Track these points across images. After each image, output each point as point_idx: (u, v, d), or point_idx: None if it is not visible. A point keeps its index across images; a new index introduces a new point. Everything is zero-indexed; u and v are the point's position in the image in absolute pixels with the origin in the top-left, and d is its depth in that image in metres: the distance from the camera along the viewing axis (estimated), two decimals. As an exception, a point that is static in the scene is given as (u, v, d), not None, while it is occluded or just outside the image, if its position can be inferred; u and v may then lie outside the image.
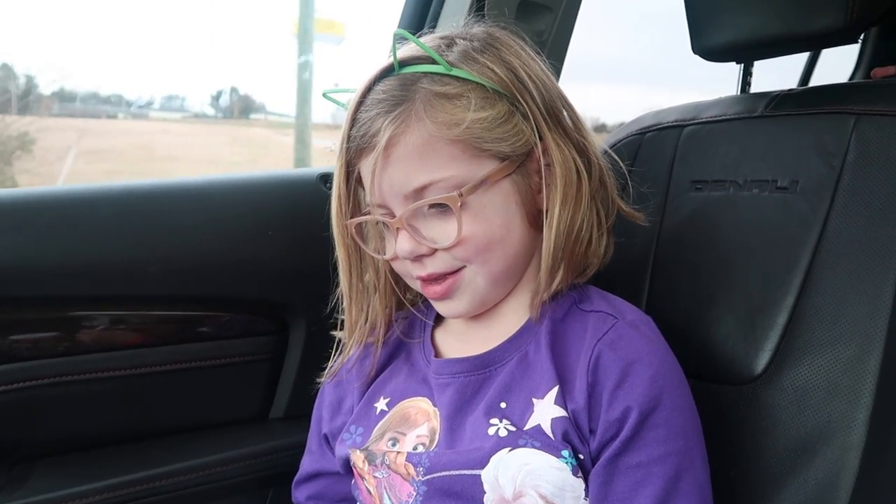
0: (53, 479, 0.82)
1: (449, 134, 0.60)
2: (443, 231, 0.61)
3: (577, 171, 0.63)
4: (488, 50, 0.63)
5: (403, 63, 0.63)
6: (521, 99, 0.62)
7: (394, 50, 0.62)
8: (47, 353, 0.85)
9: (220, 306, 0.93)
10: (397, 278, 0.70)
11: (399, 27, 1.01)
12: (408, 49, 0.64)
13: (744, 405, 0.66)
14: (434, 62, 0.62)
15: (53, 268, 0.83)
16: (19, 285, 0.81)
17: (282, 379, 0.98)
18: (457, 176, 0.60)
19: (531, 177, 0.64)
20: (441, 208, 0.61)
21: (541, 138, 0.63)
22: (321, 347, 0.75)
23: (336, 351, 0.72)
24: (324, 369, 0.75)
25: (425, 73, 0.62)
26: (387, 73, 0.63)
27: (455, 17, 0.97)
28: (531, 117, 0.62)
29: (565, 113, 0.65)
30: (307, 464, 0.79)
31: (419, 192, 0.61)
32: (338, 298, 0.71)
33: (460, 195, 0.60)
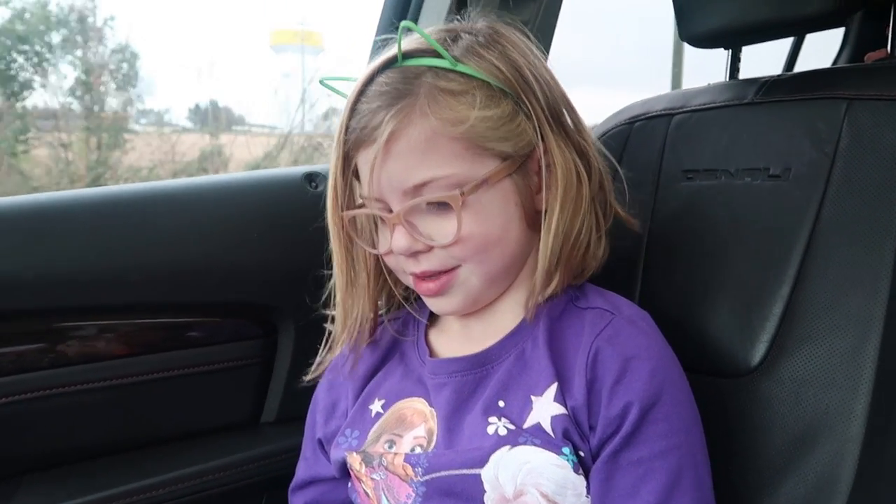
0: (40, 494, 0.80)
1: (453, 131, 0.59)
2: (441, 229, 0.61)
3: (578, 174, 0.63)
4: (493, 46, 0.62)
5: (407, 55, 0.61)
6: (525, 99, 0.61)
7: (399, 41, 0.61)
8: (31, 367, 0.83)
9: (207, 312, 0.92)
10: (389, 272, 0.69)
11: (378, 27, 0.99)
12: (412, 41, 0.63)
13: (741, 398, 0.65)
14: (438, 56, 0.61)
15: (34, 279, 0.81)
16: (3, 298, 0.79)
17: (272, 382, 0.97)
18: (458, 174, 0.59)
19: (531, 177, 0.63)
20: (440, 206, 0.60)
21: (542, 139, 0.62)
22: (311, 349, 0.73)
23: (326, 345, 0.71)
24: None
25: (429, 67, 0.61)
26: (389, 64, 0.62)
27: (437, 14, 0.95)
28: (534, 117, 0.61)
29: (567, 114, 0.65)
30: (302, 470, 0.78)
31: (419, 188, 0.60)
32: (330, 292, 0.70)
33: (462, 194, 0.59)
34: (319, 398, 0.76)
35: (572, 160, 0.63)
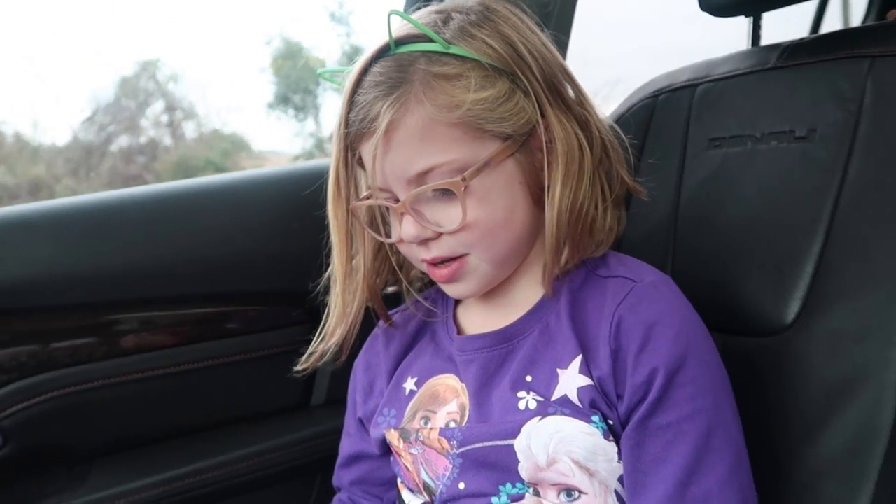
0: (111, 476, 0.85)
1: (450, 117, 0.58)
2: (447, 215, 0.61)
3: (580, 147, 0.62)
4: (485, 23, 0.62)
5: (399, 42, 0.61)
6: (521, 75, 0.61)
7: (388, 29, 0.61)
8: (91, 358, 0.88)
9: (254, 300, 0.96)
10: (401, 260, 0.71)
11: (408, 4, 1.00)
12: (403, 27, 0.62)
13: (777, 355, 0.67)
14: (430, 40, 0.60)
15: (89, 274, 0.85)
16: (58, 294, 0.84)
17: (320, 366, 1.00)
18: (459, 159, 0.59)
19: (534, 154, 0.62)
20: (446, 192, 0.60)
21: (542, 115, 0.61)
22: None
23: (318, 335, 0.71)
24: (356, 353, 0.76)
25: (423, 53, 0.60)
26: (383, 52, 0.61)
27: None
28: (532, 94, 0.61)
29: (567, 86, 0.64)
30: (347, 446, 0.79)
31: (422, 176, 0.60)
32: (328, 280, 0.70)
33: (463, 179, 0.59)
34: (358, 378, 0.78)
35: (574, 133, 0.62)
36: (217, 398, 0.95)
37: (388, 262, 0.71)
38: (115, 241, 0.87)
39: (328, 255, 0.69)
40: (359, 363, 0.78)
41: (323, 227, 0.68)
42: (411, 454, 0.67)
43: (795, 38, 0.79)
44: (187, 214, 0.91)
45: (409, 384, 0.71)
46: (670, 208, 0.81)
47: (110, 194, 0.90)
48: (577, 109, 0.64)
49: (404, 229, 0.62)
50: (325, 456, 0.93)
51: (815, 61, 0.73)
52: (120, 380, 0.88)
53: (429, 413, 0.67)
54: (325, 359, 0.71)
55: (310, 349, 0.72)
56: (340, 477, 0.80)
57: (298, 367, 0.72)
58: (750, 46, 0.87)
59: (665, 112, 0.86)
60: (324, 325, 0.71)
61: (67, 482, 0.84)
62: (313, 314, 0.99)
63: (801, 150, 0.70)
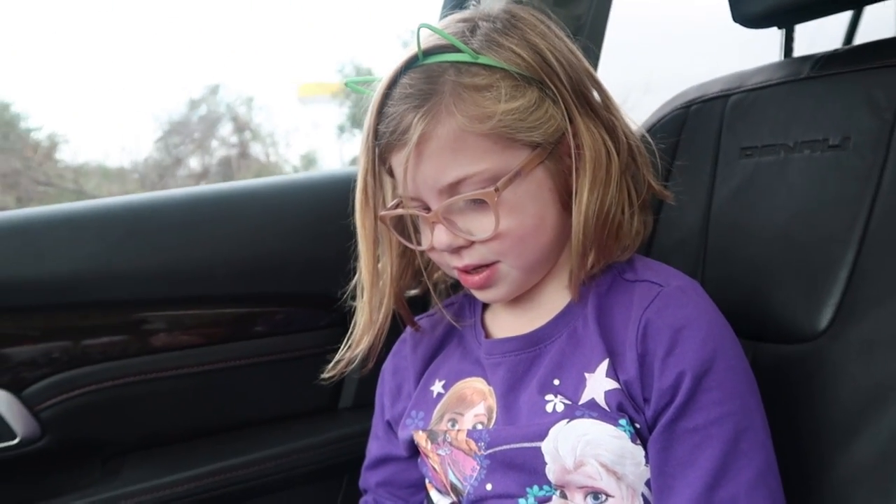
0: (144, 470, 0.87)
1: (481, 127, 0.59)
2: (479, 224, 0.61)
3: (607, 153, 0.62)
4: (512, 31, 0.62)
5: (427, 53, 0.61)
6: (549, 83, 0.61)
7: (418, 40, 0.61)
8: (127, 353, 0.90)
9: (286, 302, 0.97)
10: (427, 264, 0.71)
11: (442, 12, 1.01)
12: (431, 38, 0.62)
13: (809, 362, 0.66)
14: (458, 50, 0.61)
15: (129, 272, 0.88)
16: (100, 290, 0.87)
17: (347, 372, 1.01)
18: (491, 168, 0.60)
19: (563, 160, 0.63)
20: (477, 201, 0.61)
21: (570, 121, 0.61)
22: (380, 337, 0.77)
23: (346, 343, 0.72)
24: (383, 359, 0.76)
25: (452, 63, 0.60)
26: (411, 63, 0.62)
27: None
28: (561, 101, 0.61)
29: (594, 91, 0.65)
30: (374, 449, 0.80)
31: (454, 186, 0.60)
32: (353, 287, 0.71)
33: (496, 190, 0.59)
34: (386, 381, 0.79)
35: (601, 138, 0.62)
36: (247, 397, 0.96)
37: (413, 265, 0.72)
38: (154, 241, 0.90)
39: (356, 259, 0.70)
40: (387, 367, 0.79)
41: (354, 233, 0.69)
42: (439, 455, 0.68)
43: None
44: (223, 217, 0.93)
45: (437, 387, 0.71)
46: (702, 216, 0.81)
47: (151, 195, 0.93)
48: (603, 115, 0.64)
49: (436, 238, 0.63)
50: (352, 458, 0.94)
51: (849, 71, 0.73)
52: (154, 376, 0.90)
53: (456, 415, 0.68)
54: (352, 366, 0.72)
55: (337, 357, 0.72)
56: (367, 479, 0.81)
57: (325, 375, 0.72)
58: (782, 58, 0.87)
59: (697, 122, 0.86)
60: (351, 332, 0.71)
61: (102, 475, 0.87)
62: (343, 318, 1.01)
63: (835, 159, 0.70)
